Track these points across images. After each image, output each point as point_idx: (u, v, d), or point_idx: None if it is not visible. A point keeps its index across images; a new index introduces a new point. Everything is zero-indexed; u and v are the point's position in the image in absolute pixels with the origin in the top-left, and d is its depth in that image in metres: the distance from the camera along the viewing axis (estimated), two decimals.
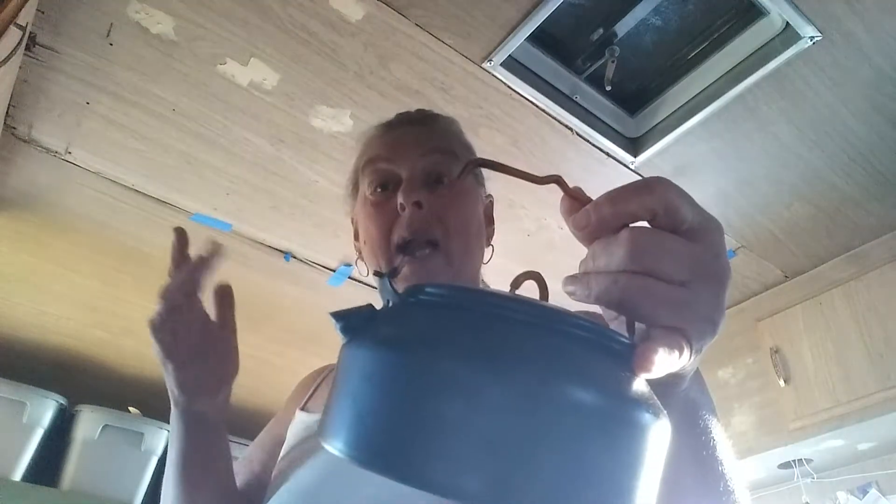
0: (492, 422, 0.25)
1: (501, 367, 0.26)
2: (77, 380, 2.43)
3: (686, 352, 0.31)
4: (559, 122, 1.53)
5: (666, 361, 0.30)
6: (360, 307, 0.32)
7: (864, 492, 1.96)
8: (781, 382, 1.88)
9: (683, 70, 1.47)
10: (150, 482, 2.23)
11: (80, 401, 2.23)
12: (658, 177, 0.32)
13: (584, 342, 0.29)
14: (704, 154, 1.60)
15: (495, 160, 0.36)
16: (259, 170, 1.67)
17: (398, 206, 0.67)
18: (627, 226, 0.32)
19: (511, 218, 1.81)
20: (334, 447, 0.28)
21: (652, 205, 0.32)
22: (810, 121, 1.50)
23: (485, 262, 0.75)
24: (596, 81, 1.49)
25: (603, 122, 1.56)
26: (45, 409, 2.13)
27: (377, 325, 0.30)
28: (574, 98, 1.50)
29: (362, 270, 0.75)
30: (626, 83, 1.52)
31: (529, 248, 1.91)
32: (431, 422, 0.25)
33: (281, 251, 1.95)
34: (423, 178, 0.69)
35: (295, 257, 1.96)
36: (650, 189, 0.32)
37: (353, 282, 2.04)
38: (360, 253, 0.76)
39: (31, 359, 2.37)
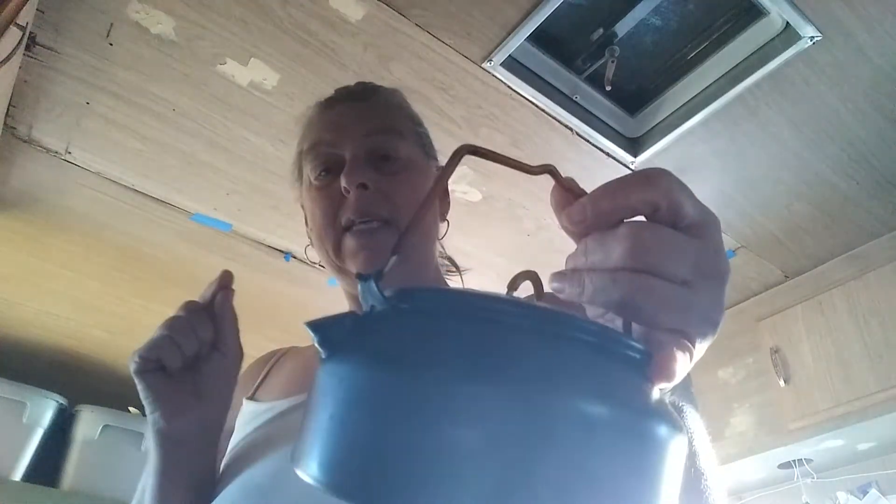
0: (504, 446, 0.22)
1: (512, 385, 0.23)
2: (77, 380, 2.43)
3: (690, 356, 0.29)
4: (559, 122, 1.53)
5: (683, 369, 0.28)
6: (341, 316, 0.28)
7: (864, 492, 1.96)
8: (781, 382, 1.88)
9: (683, 70, 1.47)
10: None
11: (80, 401, 2.23)
12: (658, 168, 0.30)
13: (600, 351, 0.26)
14: (704, 154, 1.60)
15: (490, 149, 0.32)
16: (259, 170, 1.67)
17: (342, 190, 0.64)
18: (623, 220, 0.30)
19: (511, 218, 1.81)
20: (315, 478, 0.24)
21: (654, 199, 0.29)
22: (810, 121, 1.50)
23: (440, 237, 0.74)
24: (596, 81, 1.49)
25: (603, 122, 1.56)
26: (45, 409, 2.13)
27: (363, 338, 0.27)
28: (574, 98, 1.50)
29: (313, 258, 0.72)
30: (626, 83, 1.52)
31: (529, 248, 1.91)
32: (432, 450, 0.22)
33: (281, 251, 1.95)
34: (366, 158, 0.66)
35: (295, 257, 1.96)
36: (652, 182, 0.30)
37: None
38: (311, 240, 0.73)
39: (31, 359, 2.37)
